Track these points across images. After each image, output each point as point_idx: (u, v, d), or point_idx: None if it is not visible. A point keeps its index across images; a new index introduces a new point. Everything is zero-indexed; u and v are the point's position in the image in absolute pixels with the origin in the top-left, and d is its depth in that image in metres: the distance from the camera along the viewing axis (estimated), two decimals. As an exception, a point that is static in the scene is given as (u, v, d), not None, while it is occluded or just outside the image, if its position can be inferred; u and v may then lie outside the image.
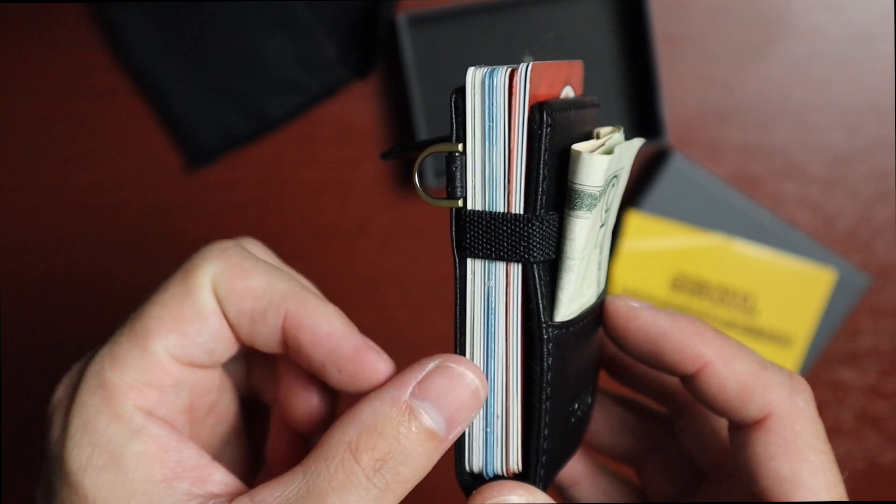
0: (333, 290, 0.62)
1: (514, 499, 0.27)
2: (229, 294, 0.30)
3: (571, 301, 0.27)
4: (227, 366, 0.34)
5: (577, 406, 0.30)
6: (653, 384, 0.34)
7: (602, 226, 0.29)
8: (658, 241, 0.60)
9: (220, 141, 0.60)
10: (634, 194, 0.61)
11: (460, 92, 0.26)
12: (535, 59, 0.27)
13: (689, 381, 0.29)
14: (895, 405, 0.63)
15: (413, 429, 0.26)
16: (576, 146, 0.26)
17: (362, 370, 0.31)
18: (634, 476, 0.36)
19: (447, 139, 0.27)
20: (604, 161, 0.26)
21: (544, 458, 0.28)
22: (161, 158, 0.61)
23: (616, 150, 0.27)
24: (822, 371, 0.63)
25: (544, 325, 0.27)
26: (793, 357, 0.61)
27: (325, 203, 0.61)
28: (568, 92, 0.29)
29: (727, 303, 0.60)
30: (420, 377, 0.27)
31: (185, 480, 0.28)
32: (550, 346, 0.27)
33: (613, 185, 0.29)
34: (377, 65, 0.60)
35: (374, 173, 0.61)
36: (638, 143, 0.29)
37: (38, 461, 0.64)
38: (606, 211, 0.29)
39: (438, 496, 0.64)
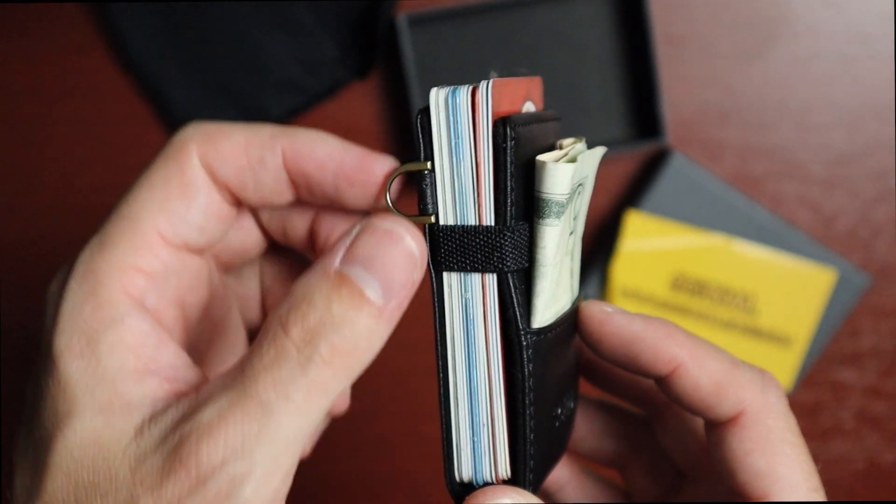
0: (333, 290, 0.62)
1: (505, 500, 0.27)
2: (219, 158, 0.29)
3: (547, 307, 0.28)
4: (241, 279, 0.34)
5: (560, 411, 0.31)
6: (630, 388, 0.34)
7: (571, 233, 0.30)
8: (658, 241, 0.60)
9: (220, 141, 0.60)
10: (634, 194, 0.61)
11: (425, 112, 0.27)
12: (498, 76, 0.27)
13: (664, 382, 0.30)
14: (895, 405, 0.63)
15: (344, 294, 0.25)
16: (540, 157, 0.27)
17: (371, 177, 0.31)
18: (619, 478, 0.37)
19: (415, 159, 0.28)
20: (568, 169, 0.27)
21: (532, 462, 0.28)
22: (161, 158, 0.61)
23: (579, 159, 0.28)
24: (822, 371, 0.63)
25: (523, 332, 0.27)
26: (793, 357, 0.61)
27: (325, 203, 0.61)
28: (528, 107, 0.30)
29: (727, 303, 0.60)
30: (349, 241, 0.26)
31: (156, 376, 0.27)
32: (530, 352, 0.28)
33: (579, 193, 0.29)
34: (377, 65, 0.60)
35: (374, 173, 0.61)
36: (600, 151, 0.31)
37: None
38: (575, 218, 0.30)
39: (439, 496, 0.64)
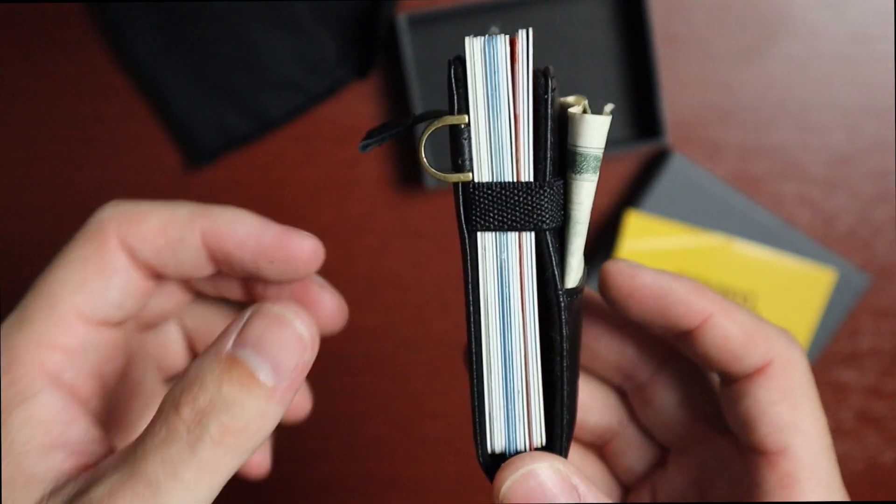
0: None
1: (544, 465, 0.27)
2: (139, 239, 0.30)
3: (579, 269, 0.28)
4: (161, 331, 0.35)
5: (579, 375, 0.31)
6: (610, 366, 0.34)
7: None
8: (658, 241, 0.60)
9: (220, 141, 0.60)
10: (634, 194, 0.61)
11: (459, 62, 0.26)
12: (500, 31, 0.27)
13: (691, 335, 0.30)
14: (895, 405, 0.63)
15: (234, 375, 0.25)
16: (572, 109, 0.27)
17: (291, 253, 0.32)
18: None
19: (442, 114, 0.27)
20: (606, 122, 0.26)
21: (568, 428, 0.28)
22: (161, 158, 0.61)
23: (607, 111, 0.27)
24: (822, 371, 0.63)
25: (562, 293, 0.27)
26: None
27: (325, 203, 0.61)
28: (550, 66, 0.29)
29: (727, 303, 0.60)
30: (240, 326, 0.26)
31: (63, 450, 0.27)
32: (566, 313, 0.27)
33: None
34: (377, 65, 0.60)
35: (374, 173, 0.61)
36: (610, 107, 0.31)
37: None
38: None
39: (438, 496, 0.64)
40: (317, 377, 0.63)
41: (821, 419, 0.29)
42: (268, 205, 0.61)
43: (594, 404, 0.35)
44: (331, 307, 0.33)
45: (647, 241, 0.60)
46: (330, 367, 0.63)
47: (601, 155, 0.27)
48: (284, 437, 0.63)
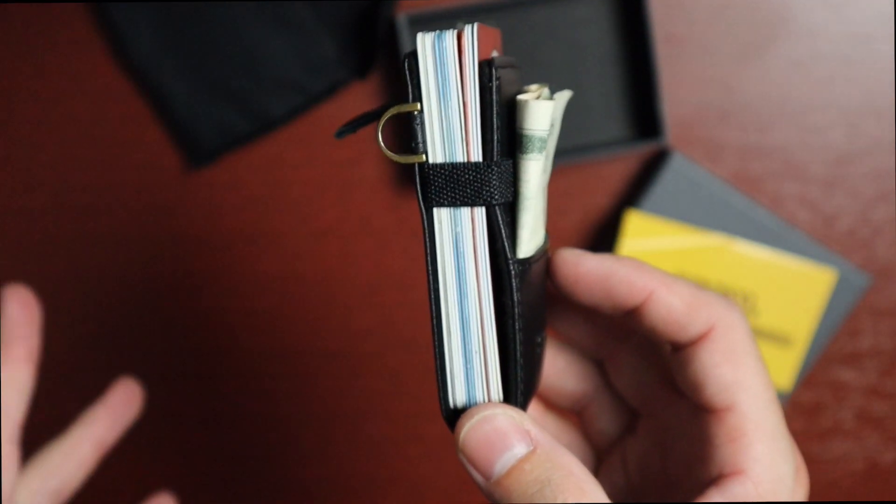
0: (333, 290, 0.62)
1: (499, 411, 0.29)
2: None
3: (531, 239, 0.30)
4: None
5: (538, 339, 0.33)
6: (584, 332, 0.37)
7: (545, 172, 0.32)
8: (658, 241, 0.60)
9: (220, 141, 0.60)
10: (634, 194, 0.61)
11: (412, 55, 0.28)
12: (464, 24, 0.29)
13: (637, 311, 0.32)
14: (895, 405, 0.63)
15: None
16: (520, 96, 0.29)
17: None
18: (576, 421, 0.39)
19: (402, 102, 0.29)
20: (549, 106, 0.29)
21: (522, 385, 0.30)
22: (161, 158, 0.61)
23: (556, 98, 0.30)
24: (822, 371, 0.63)
25: (511, 262, 0.29)
26: (793, 357, 0.61)
27: (325, 203, 0.61)
28: (495, 55, 0.31)
29: (727, 303, 0.60)
30: None
31: None
32: (517, 280, 0.29)
33: (551, 133, 0.31)
34: (377, 65, 0.60)
35: (374, 173, 0.61)
36: (566, 95, 0.33)
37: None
38: (547, 158, 0.32)
39: (438, 496, 0.64)
40: (317, 377, 0.64)
41: (764, 375, 0.31)
42: (268, 205, 0.61)
43: (571, 371, 0.37)
44: None
45: (647, 240, 0.60)
46: (330, 367, 0.63)
47: (546, 136, 0.29)
48: (284, 436, 0.63)
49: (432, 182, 0.29)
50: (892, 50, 0.61)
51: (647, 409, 0.35)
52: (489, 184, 0.29)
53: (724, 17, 0.61)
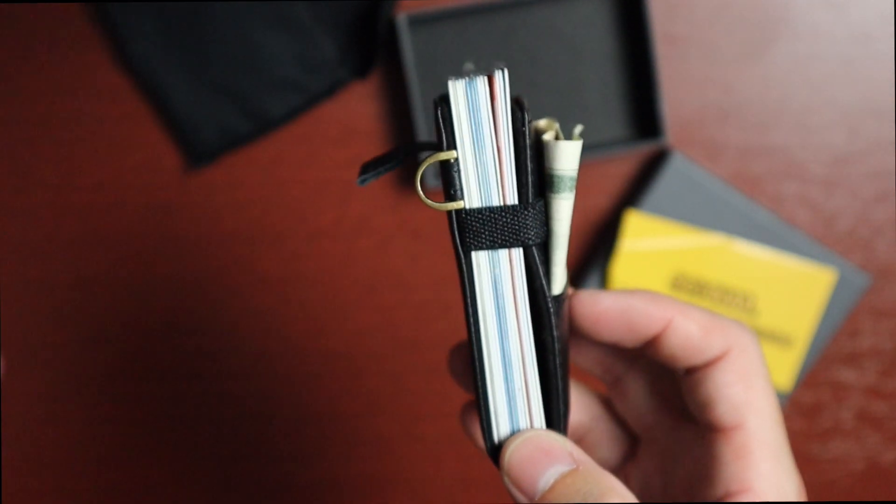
0: (333, 290, 0.62)
1: (542, 433, 0.31)
2: None
3: (562, 277, 0.31)
4: None
5: (567, 373, 0.33)
6: (593, 361, 0.38)
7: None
8: (658, 240, 0.60)
9: (220, 141, 0.60)
10: (634, 194, 0.61)
11: (445, 102, 0.29)
12: (474, 69, 0.30)
13: (656, 340, 0.33)
14: (895, 405, 0.63)
15: None
16: (546, 136, 0.30)
17: None
18: None
19: (433, 147, 0.30)
20: (578, 146, 0.30)
21: (564, 417, 0.31)
22: (161, 158, 0.61)
23: (577, 136, 0.31)
24: (822, 371, 0.63)
25: (549, 299, 0.30)
26: (793, 357, 0.61)
27: (325, 203, 0.61)
28: (520, 97, 0.32)
29: (727, 303, 0.60)
30: None
31: None
32: (556, 317, 0.30)
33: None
34: (377, 65, 0.60)
35: (374, 173, 0.61)
36: (579, 128, 0.34)
37: (38, 461, 0.64)
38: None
39: (438, 496, 0.64)
40: (317, 377, 0.64)
41: (772, 396, 0.33)
42: (268, 205, 0.61)
43: (570, 401, 0.37)
44: None
45: (646, 241, 0.60)
46: (330, 367, 0.63)
47: (576, 175, 0.30)
48: (284, 436, 0.63)
49: (469, 226, 0.29)
50: (892, 50, 0.61)
51: (650, 434, 0.36)
52: (525, 225, 0.29)
53: (724, 17, 0.61)
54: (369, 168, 0.32)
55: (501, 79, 0.28)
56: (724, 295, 0.60)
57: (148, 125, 0.61)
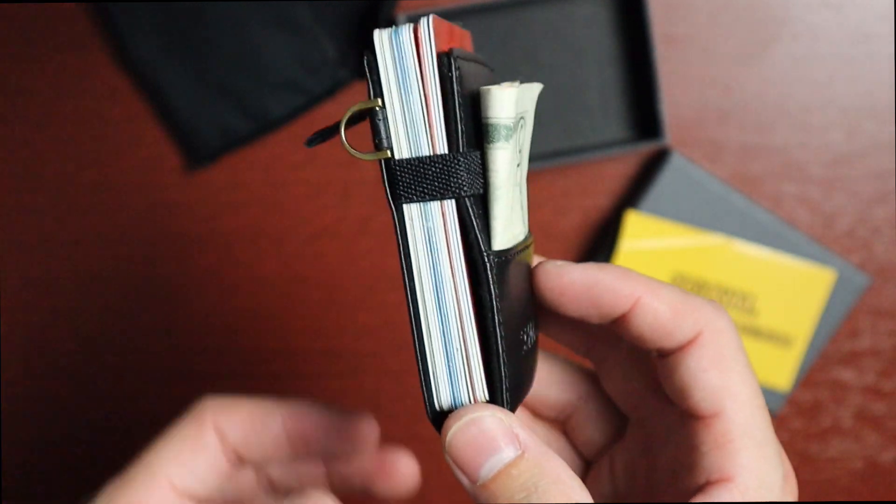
0: (333, 290, 0.62)
1: (487, 413, 0.29)
2: (230, 423, 0.35)
3: (505, 230, 0.30)
4: None
5: (524, 335, 0.32)
6: (575, 337, 0.36)
7: (518, 165, 0.32)
8: (657, 241, 0.60)
9: (220, 141, 0.60)
10: (634, 194, 0.61)
11: (371, 52, 0.29)
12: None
13: (624, 319, 0.32)
14: (895, 405, 0.63)
15: None
16: (484, 87, 0.29)
17: (357, 437, 0.38)
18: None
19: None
20: (512, 93, 0.29)
21: (507, 381, 0.30)
22: (161, 158, 0.61)
23: (520, 88, 0.30)
24: (821, 371, 0.63)
25: (485, 254, 0.29)
26: (792, 357, 0.61)
27: (325, 203, 0.61)
28: (455, 48, 0.31)
29: (727, 303, 0.60)
30: None
31: None
32: (494, 272, 0.29)
33: (522, 126, 0.31)
34: (377, 65, 0.60)
35: (374, 173, 0.61)
36: (537, 87, 0.32)
37: (38, 461, 0.64)
38: (520, 151, 0.31)
39: (439, 496, 0.64)
40: (317, 376, 0.64)
41: (752, 381, 0.31)
42: (268, 205, 0.61)
43: (554, 380, 0.36)
44: (405, 471, 0.39)
45: (646, 241, 0.60)
46: (330, 367, 0.63)
47: (511, 125, 0.29)
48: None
49: (400, 178, 0.29)
50: (892, 50, 0.61)
51: (637, 415, 0.35)
52: (457, 175, 0.28)
53: (724, 17, 0.61)
54: (319, 132, 0.32)
55: (426, 26, 0.28)
56: (724, 295, 0.60)
57: (148, 125, 0.61)
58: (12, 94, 0.61)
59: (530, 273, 0.33)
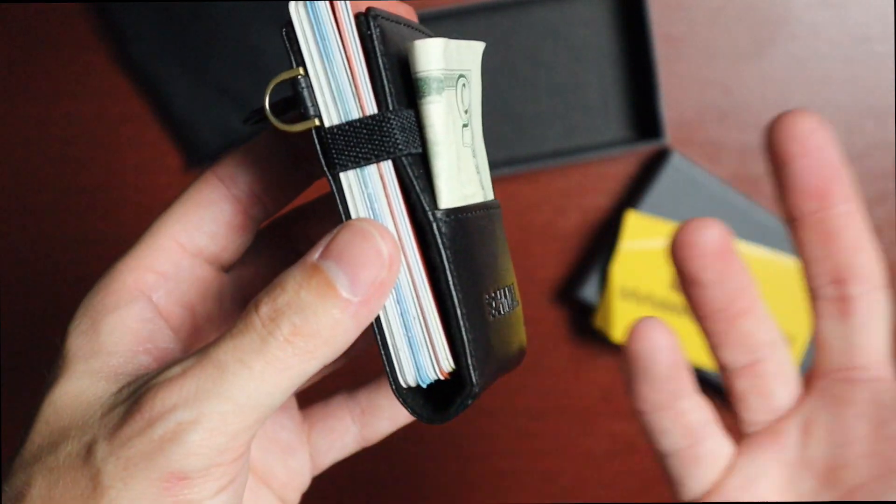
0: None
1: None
2: (234, 171, 0.33)
3: (451, 189, 0.29)
4: None
5: (491, 300, 0.31)
6: None
7: (465, 126, 0.30)
8: (658, 241, 0.60)
9: (220, 141, 0.60)
10: (634, 194, 0.61)
11: (289, 25, 0.28)
12: None
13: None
14: (894, 405, 0.63)
15: (313, 283, 0.27)
16: (410, 42, 0.28)
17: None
18: None
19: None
20: (437, 43, 0.28)
21: (472, 346, 0.28)
22: (161, 158, 0.61)
23: (450, 42, 0.29)
24: (821, 371, 0.63)
25: (430, 213, 0.28)
26: (792, 357, 0.61)
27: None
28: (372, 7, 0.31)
29: (727, 303, 0.60)
30: (329, 238, 0.27)
31: (149, 355, 0.30)
32: (442, 231, 0.28)
33: (464, 84, 0.30)
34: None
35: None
36: (478, 45, 0.31)
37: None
38: (466, 112, 0.31)
39: (439, 496, 0.64)
40: (317, 376, 0.64)
41: None
42: (268, 205, 0.61)
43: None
44: None
45: (646, 241, 0.60)
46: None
47: (441, 76, 0.28)
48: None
49: (332, 146, 0.28)
50: (891, 50, 0.61)
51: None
52: (391, 134, 0.27)
53: (724, 17, 0.61)
54: (255, 110, 0.31)
55: None
56: (724, 295, 0.60)
57: (148, 125, 0.61)
58: (13, 94, 0.61)
59: (501, 239, 0.32)
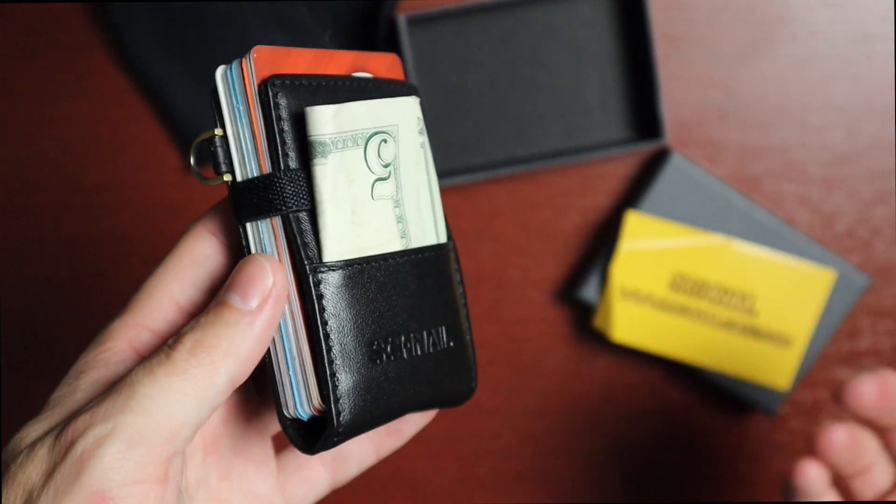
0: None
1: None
2: (222, 222, 0.34)
3: (340, 242, 0.31)
4: None
5: (384, 346, 0.33)
6: None
7: (383, 179, 0.33)
8: (657, 241, 0.60)
9: (220, 141, 0.60)
10: (634, 195, 0.61)
11: (213, 88, 0.31)
12: (329, 41, 0.31)
13: None
14: (894, 405, 0.63)
15: (212, 310, 0.30)
16: (308, 107, 0.31)
17: None
18: None
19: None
20: (325, 111, 0.30)
21: (337, 390, 0.31)
22: (161, 158, 0.61)
23: (355, 105, 0.31)
24: (821, 371, 0.63)
25: (307, 265, 0.31)
26: (792, 357, 0.61)
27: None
28: (279, 75, 0.32)
29: (726, 303, 0.60)
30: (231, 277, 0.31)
31: None
32: (320, 284, 0.31)
33: (384, 141, 0.32)
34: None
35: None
36: (406, 101, 0.33)
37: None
38: (387, 166, 0.32)
39: (439, 496, 0.64)
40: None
41: None
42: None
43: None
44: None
45: (646, 241, 0.60)
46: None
47: (329, 140, 0.31)
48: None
49: (239, 199, 0.31)
50: (892, 50, 0.61)
51: None
52: (282, 192, 0.30)
53: (724, 17, 0.61)
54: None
55: (248, 58, 0.30)
56: (724, 295, 0.60)
57: (148, 125, 0.61)
58: (13, 94, 0.61)
59: (428, 281, 0.34)
